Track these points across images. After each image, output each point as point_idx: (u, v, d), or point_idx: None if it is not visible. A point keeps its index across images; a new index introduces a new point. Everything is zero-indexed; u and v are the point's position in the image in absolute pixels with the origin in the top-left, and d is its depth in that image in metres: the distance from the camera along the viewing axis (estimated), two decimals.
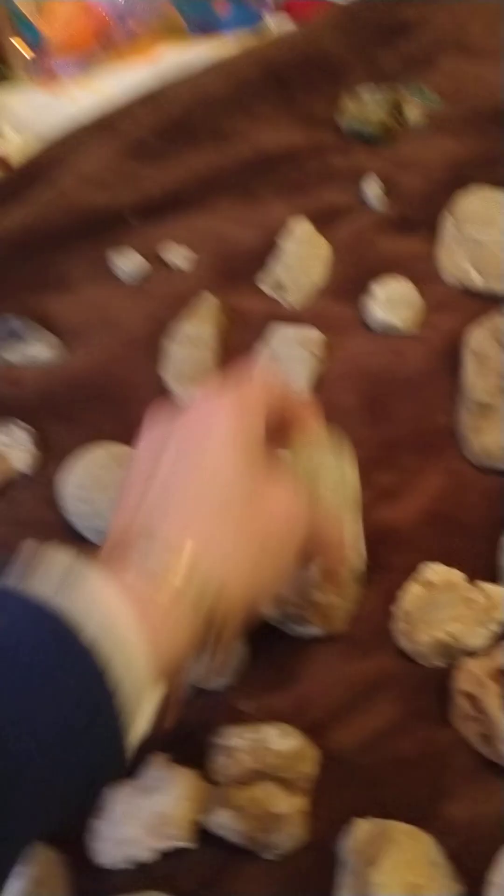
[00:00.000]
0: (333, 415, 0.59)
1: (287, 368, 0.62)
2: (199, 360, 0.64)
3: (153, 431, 0.43)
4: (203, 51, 0.86)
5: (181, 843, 0.43)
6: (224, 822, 0.43)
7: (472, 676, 0.47)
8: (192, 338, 0.64)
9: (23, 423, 0.61)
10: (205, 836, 0.44)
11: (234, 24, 0.91)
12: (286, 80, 0.81)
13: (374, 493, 0.57)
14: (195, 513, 0.36)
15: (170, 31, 0.88)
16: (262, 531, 0.37)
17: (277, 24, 0.91)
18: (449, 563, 0.53)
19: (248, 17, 0.91)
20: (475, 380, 0.61)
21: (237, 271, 0.71)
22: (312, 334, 0.65)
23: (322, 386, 0.63)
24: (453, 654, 0.50)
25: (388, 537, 0.56)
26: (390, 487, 0.58)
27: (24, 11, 0.87)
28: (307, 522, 0.40)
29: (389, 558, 0.55)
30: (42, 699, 0.29)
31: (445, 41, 0.85)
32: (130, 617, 0.32)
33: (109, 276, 0.71)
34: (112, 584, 0.33)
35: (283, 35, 0.84)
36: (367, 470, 0.58)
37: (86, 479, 0.56)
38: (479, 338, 0.63)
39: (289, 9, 0.93)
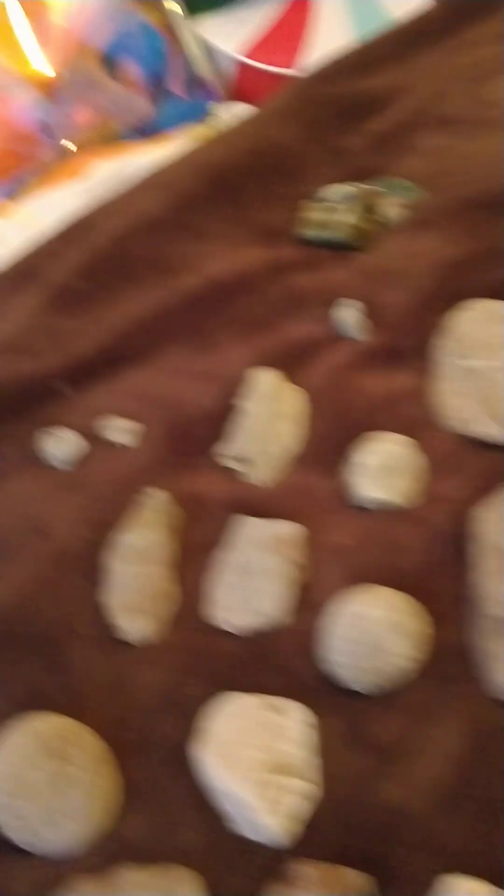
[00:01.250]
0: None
1: (260, 588, 0.50)
2: (149, 579, 0.51)
3: None
4: (142, 158, 0.75)
5: None
6: None
7: None
8: (139, 550, 0.52)
9: None
10: None
11: (177, 118, 0.79)
12: (236, 186, 0.69)
13: (369, 757, 0.44)
14: None
15: (102, 139, 0.77)
16: None
17: (230, 113, 0.79)
18: (483, 871, 0.40)
19: (193, 109, 0.79)
20: (488, 584, 0.47)
21: (192, 443, 0.58)
22: (287, 531, 0.52)
23: (307, 602, 0.50)
24: None
25: (395, 827, 0.42)
26: (390, 746, 0.45)
27: None
28: None
29: (399, 861, 0.41)
30: None
31: (422, 114, 0.72)
32: None
33: (40, 464, 0.59)
34: None
35: (227, 131, 0.72)
36: (360, 720, 0.45)
37: (6, 781, 0.44)
38: (488, 522, 0.49)
39: (243, 92, 0.81)
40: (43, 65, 0.75)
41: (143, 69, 0.77)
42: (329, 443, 0.57)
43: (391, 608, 0.45)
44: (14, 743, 0.45)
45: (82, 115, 0.75)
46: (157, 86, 0.78)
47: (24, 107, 0.74)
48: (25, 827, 0.43)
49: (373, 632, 0.44)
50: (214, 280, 0.64)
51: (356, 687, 0.46)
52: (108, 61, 0.76)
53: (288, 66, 0.78)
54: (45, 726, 0.46)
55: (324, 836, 0.43)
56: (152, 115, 0.77)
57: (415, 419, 0.57)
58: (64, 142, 0.76)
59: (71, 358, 0.61)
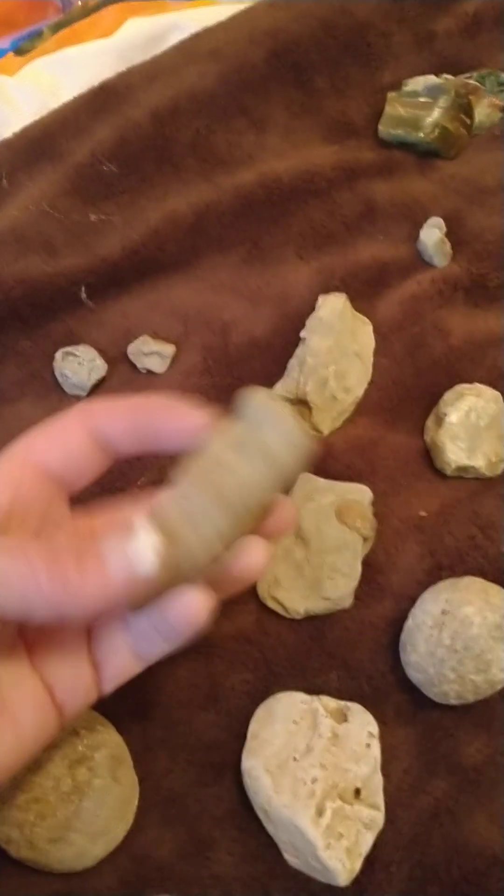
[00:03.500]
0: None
1: (326, 566, 0.41)
2: None
3: None
4: (184, 19, 0.61)
5: None
6: None
7: None
8: None
9: None
10: None
11: None
12: (303, 64, 0.57)
13: (449, 781, 0.37)
14: None
15: None
16: None
17: None
18: None
19: None
20: None
21: (235, 376, 0.48)
22: (357, 497, 0.43)
23: (376, 585, 0.42)
24: None
25: (484, 875, 0.35)
26: (475, 769, 0.37)
27: None
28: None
29: None
30: None
31: None
32: None
33: (53, 388, 0.48)
34: None
35: None
36: (438, 735, 0.38)
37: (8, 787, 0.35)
38: None
39: None
40: None
41: None
42: (399, 390, 0.48)
43: (494, 610, 0.37)
44: None
45: None
46: None
47: None
48: (27, 842, 0.35)
49: (475, 639, 0.36)
50: (274, 180, 0.52)
51: (434, 696, 0.38)
52: None
53: None
54: None
55: (390, 877, 0.35)
56: None
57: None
58: None
59: (94, 259, 0.50)
